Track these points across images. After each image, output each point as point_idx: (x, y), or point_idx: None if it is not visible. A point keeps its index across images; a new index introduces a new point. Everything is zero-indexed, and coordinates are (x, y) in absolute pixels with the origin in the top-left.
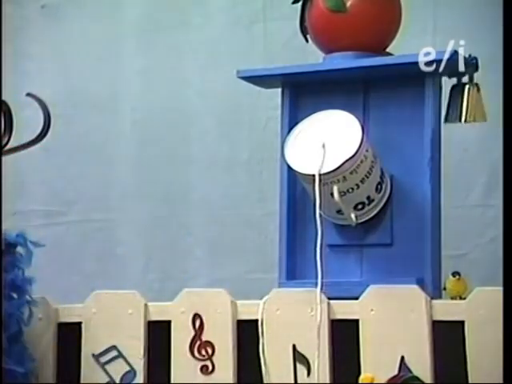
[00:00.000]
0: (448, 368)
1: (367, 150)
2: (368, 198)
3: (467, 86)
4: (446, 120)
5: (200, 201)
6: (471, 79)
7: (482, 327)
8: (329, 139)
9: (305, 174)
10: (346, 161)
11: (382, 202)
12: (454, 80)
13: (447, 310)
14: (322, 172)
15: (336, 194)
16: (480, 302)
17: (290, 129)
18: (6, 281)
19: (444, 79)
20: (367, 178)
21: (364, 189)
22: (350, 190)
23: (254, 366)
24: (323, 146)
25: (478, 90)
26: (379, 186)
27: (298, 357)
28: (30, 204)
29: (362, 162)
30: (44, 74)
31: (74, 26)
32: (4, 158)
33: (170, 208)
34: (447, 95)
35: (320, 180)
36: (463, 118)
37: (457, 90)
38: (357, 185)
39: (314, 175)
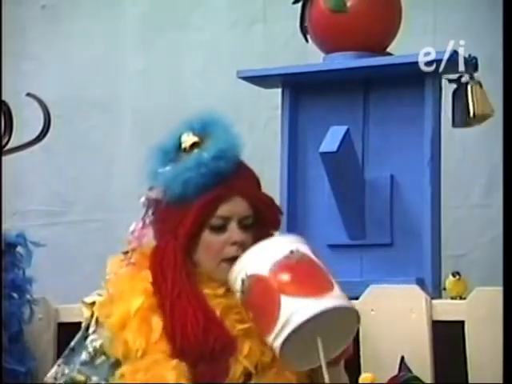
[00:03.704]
0: (448, 368)
1: None
2: None
3: (469, 84)
4: (454, 124)
5: None
6: (472, 77)
7: (482, 327)
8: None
9: None
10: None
11: None
12: (455, 85)
13: (447, 310)
14: None
15: None
16: (480, 301)
17: (291, 128)
18: (6, 280)
19: (444, 83)
20: None
21: None
22: None
23: None
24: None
25: (481, 86)
26: None
27: None
28: (29, 204)
29: None
30: (44, 73)
31: (74, 26)
32: (4, 158)
33: None
34: (448, 99)
35: None
36: (471, 114)
37: (459, 92)
38: None
39: None
